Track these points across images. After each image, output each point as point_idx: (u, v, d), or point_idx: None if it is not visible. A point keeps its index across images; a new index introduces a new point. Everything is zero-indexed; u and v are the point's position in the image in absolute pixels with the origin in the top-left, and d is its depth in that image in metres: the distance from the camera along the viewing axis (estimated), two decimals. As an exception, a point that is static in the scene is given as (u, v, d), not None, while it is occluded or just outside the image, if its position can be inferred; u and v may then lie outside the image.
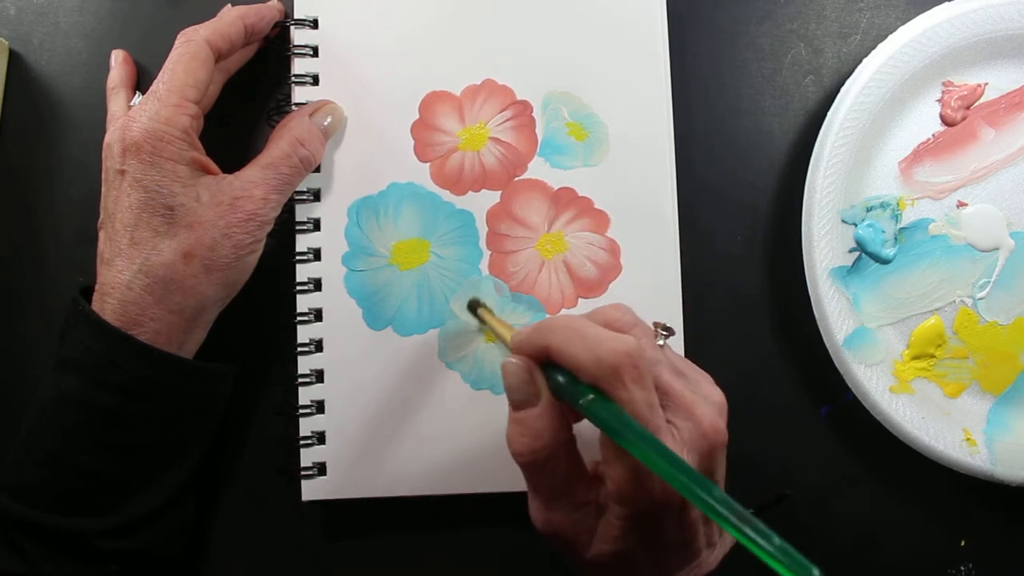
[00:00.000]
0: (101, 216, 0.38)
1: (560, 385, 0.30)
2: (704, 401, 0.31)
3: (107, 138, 0.38)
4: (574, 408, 0.30)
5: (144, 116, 0.37)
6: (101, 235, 0.38)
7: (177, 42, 0.39)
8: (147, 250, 0.36)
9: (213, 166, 0.38)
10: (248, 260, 0.39)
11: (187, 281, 0.37)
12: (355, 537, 0.44)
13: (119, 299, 0.36)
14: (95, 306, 0.37)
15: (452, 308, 0.42)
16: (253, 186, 0.38)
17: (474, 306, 0.41)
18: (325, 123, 0.41)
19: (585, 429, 0.31)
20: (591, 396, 0.29)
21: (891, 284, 0.43)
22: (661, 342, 0.34)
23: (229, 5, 0.41)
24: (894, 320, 0.43)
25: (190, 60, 0.38)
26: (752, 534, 0.25)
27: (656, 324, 0.35)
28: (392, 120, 0.42)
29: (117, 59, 0.43)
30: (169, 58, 0.38)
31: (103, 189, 0.38)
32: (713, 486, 0.26)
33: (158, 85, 0.38)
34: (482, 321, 0.40)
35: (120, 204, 0.37)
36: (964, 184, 0.43)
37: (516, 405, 0.31)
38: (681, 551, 0.32)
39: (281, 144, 0.39)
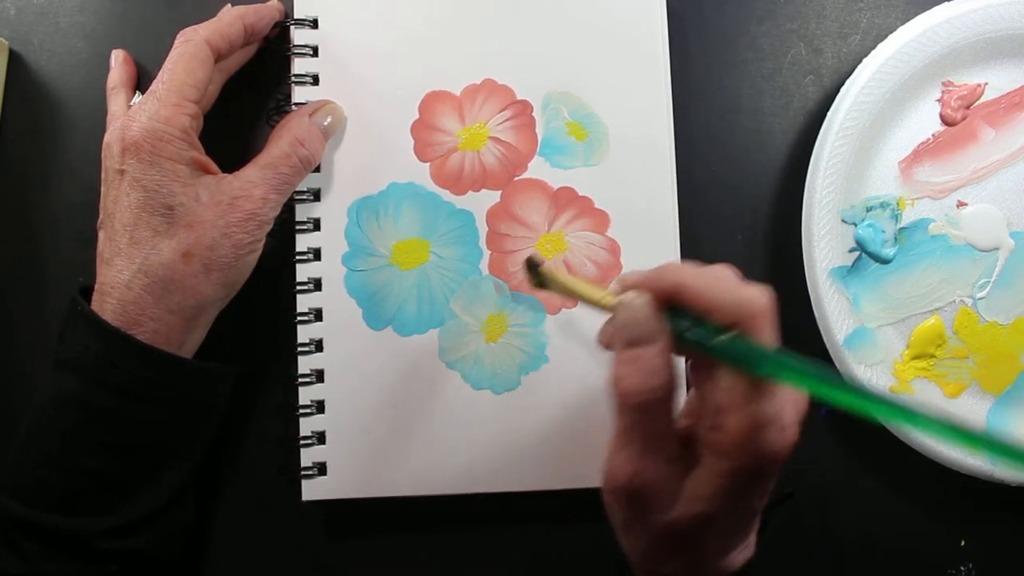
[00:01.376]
0: (101, 216, 0.38)
1: (686, 328, 0.29)
2: None
3: (107, 138, 0.38)
4: (701, 351, 0.29)
5: (143, 116, 0.37)
6: (101, 235, 0.38)
7: (176, 42, 0.39)
8: (146, 250, 0.36)
9: (213, 166, 0.38)
10: (248, 260, 0.39)
11: (187, 281, 0.37)
12: (355, 537, 0.44)
13: (118, 299, 0.36)
14: (94, 306, 0.37)
15: (453, 308, 0.42)
16: (253, 186, 0.38)
17: (534, 265, 0.34)
18: (325, 123, 0.41)
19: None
20: (731, 334, 0.28)
21: (891, 284, 0.43)
22: None
23: (229, 5, 0.41)
24: (894, 320, 0.43)
25: (189, 60, 0.38)
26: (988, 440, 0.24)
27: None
28: (392, 120, 0.42)
29: (117, 59, 0.43)
30: (168, 58, 0.38)
31: (103, 189, 0.38)
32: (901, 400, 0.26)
33: (158, 85, 0.38)
34: (543, 283, 0.34)
35: (120, 204, 0.37)
36: (964, 184, 0.43)
37: (634, 342, 0.30)
38: (750, 522, 0.31)
39: (281, 144, 0.39)
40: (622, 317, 0.30)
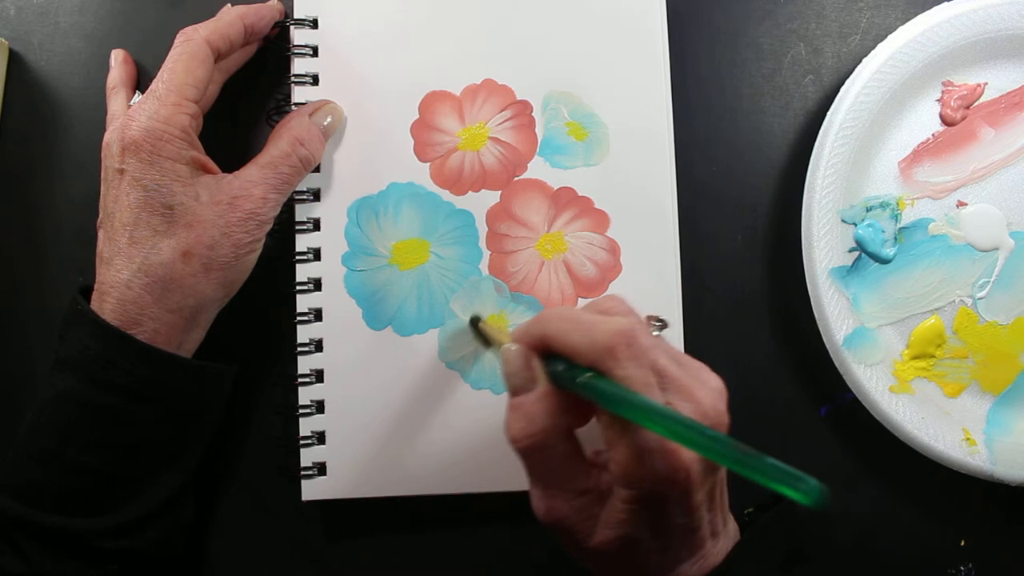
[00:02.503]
0: (100, 215, 0.38)
1: (558, 371, 0.31)
2: (703, 384, 0.31)
3: (106, 137, 0.38)
4: (574, 391, 0.30)
5: (143, 115, 0.37)
6: (100, 234, 0.38)
7: (176, 41, 0.39)
8: (146, 249, 0.36)
9: (212, 165, 0.38)
10: (247, 260, 0.39)
11: (186, 280, 0.37)
12: (355, 537, 0.44)
13: (118, 298, 0.36)
14: (94, 305, 0.37)
15: (453, 308, 0.42)
16: (252, 185, 0.38)
17: (475, 322, 0.41)
18: (325, 123, 0.41)
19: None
20: (589, 374, 0.30)
21: (891, 284, 0.43)
22: (656, 332, 0.34)
23: (229, 5, 0.41)
24: (894, 320, 0.43)
25: (189, 59, 0.38)
26: (756, 464, 0.25)
27: (650, 317, 0.36)
28: (392, 120, 0.42)
29: (117, 59, 0.43)
30: (168, 57, 0.38)
31: (102, 188, 0.38)
32: (714, 432, 0.27)
33: (157, 84, 0.38)
34: (483, 336, 0.41)
35: (119, 203, 0.37)
36: (964, 184, 0.43)
37: (514, 391, 0.32)
38: (686, 538, 0.32)
39: (280, 144, 0.39)
40: (503, 369, 0.33)
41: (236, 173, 0.38)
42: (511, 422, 0.32)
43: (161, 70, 0.38)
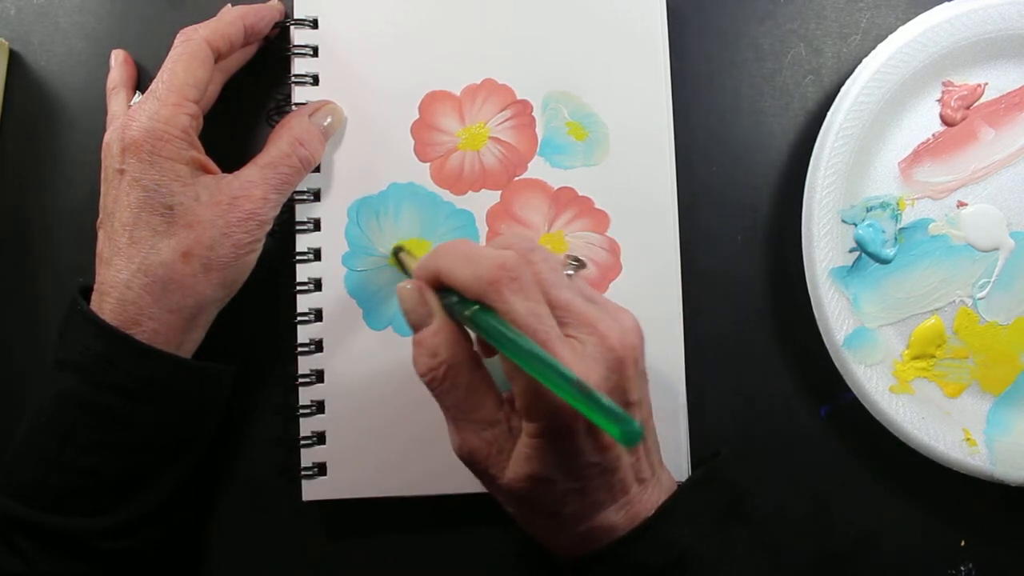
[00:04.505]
0: (100, 215, 0.38)
1: (451, 303, 0.32)
2: (610, 318, 0.31)
3: (106, 137, 0.38)
4: (465, 324, 0.31)
5: (143, 116, 0.37)
6: (100, 234, 0.38)
7: (176, 41, 0.39)
8: (146, 249, 0.36)
9: (212, 165, 0.38)
10: (247, 260, 0.39)
11: (186, 280, 0.37)
12: (355, 537, 0.44)
13: (118, 298, 0.36)
14: (94, 305, 0.37)
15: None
16: (252, 185, 0.38)
17: (397, 252, 0.41)
18: (325, 123, 0.41)
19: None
20: (474, 307, 0.30)
21: (891, 284, 0.43)
22: (570, 271, 0.34)
23: (229, 5, 0.41)
24: (894, 320, 0.43)
25: (190, 60, 0.38)
26: (579, 396, 0.26)
27: (568, 255, 0.35)
28: (392, 120, 0.42)
29: (117, 59, 0.43)
30: (168, 57, 0.38)
31: (102, 188, 0.38)
32: (556, 362, 0.27)
33: (157, 84, 0.38)
34: (401, 264, 0.41)
35: (119, 203, 0.37)
36: (964, 184, 0.43)
37: (414, 327, 0.33)
38: (602, 479, 0.31)
39: (280, 144, 0.39)
40: (401, 305, 0.33)
41: (236, 173, 0.38)
42: (415, 357, 0.32)
43: (161, 70, 0.38)
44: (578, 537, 0.33)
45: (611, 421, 0.25)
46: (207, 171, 0.38)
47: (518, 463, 0.31)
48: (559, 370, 0.27)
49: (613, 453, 0.31)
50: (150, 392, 0.37)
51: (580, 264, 0.36)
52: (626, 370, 0.31)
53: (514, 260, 0.30)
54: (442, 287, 0.33)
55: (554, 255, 0.33)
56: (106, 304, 0.36)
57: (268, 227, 0.39)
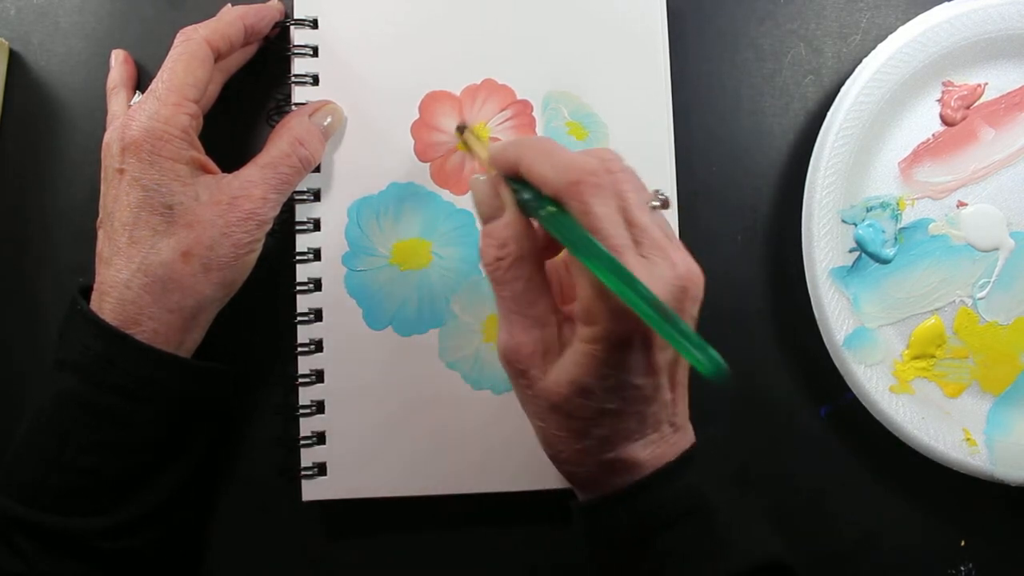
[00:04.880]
0: (100, 215, 0.38)
1: (525, 199, 0.32)
2: (682, 251, 0.31)
3: (106, 137, 0.38)
4: (539, 222, 0.31)
5: (143, 115, 0.37)
6: (100, 234, 0.38)
7: (176, 41, 0.39)
8: (146, 249, 0.36)
9: (212, 165, 0.38)
10: (247, 260, 0.39)
11: (186, 280, 0.37)
12: (355, 537, 0.44)
13: (117, 298, 0.36)
14: (93, 305, 0.37)
15: (453, 308, 0.42)
16: (252, 185, 0.38)
17: (461, 130, 0.41)
18: (325, 123, 0.41)
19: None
20: (552, 208, 0.30)
21: (891, 284, 0.43)
22: (656, 203, 0.34)
23: (229, 5, 0.41)
24: (894, 320, 0.43)
25: (190, 59, 0.38)
26: (678, 337, 0.26)
27: (656, 191, 0.35)
28: (392, 120, 0.42)
29: (117, 59, 0.43)
30: (168, 57, 0.38)
31: (102, 188, 0.38)
32: (645, 290, 0.27)
33: (157, 84, 0.38)
34: (467, 145, 0.41)
35: (119, 203, 0.37)
36: (964, 184, 0.43)
37: (484, 218, 0.33)
38: (639, 406, 0.31)
39: (280, 144, 0.39)
40: (474, 196, 0.33)
41: (236, 173, 0.38)
42: (483, 248, 0.33)
43: (161, 70, 0.38)
44: (601, 466, 0.32)
45: (695, 348, 0.25)
46: (207, 171, 0.38)
47: (564, 368, 0.31)
48: (638, 287, 0.27)
49: (657, 380, 0.31)
50: (150, 392, 0.37)
51: (664, 202, 0.36)
52: (686, 303, 0.31)
53: (600, 167, 0.30)
54: (516, 180, 0.32)
55: (639, 179, 0.33)
56: (106, 304, 0.36)
57: (268, 227, 0.39)
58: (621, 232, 0.30)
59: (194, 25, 0.39)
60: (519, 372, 0.32)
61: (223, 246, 0.37)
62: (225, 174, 0.38)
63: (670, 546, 0.32)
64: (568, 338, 0.32)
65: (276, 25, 0.43)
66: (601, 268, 0.28)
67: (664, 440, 0.32)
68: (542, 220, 0.31)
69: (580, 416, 0.31)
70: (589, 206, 0.29)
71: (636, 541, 0.32)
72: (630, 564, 0.32)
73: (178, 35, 0.39)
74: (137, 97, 0.42)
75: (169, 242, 0.36)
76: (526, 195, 0.32)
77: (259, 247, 0.39)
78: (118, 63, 0.43)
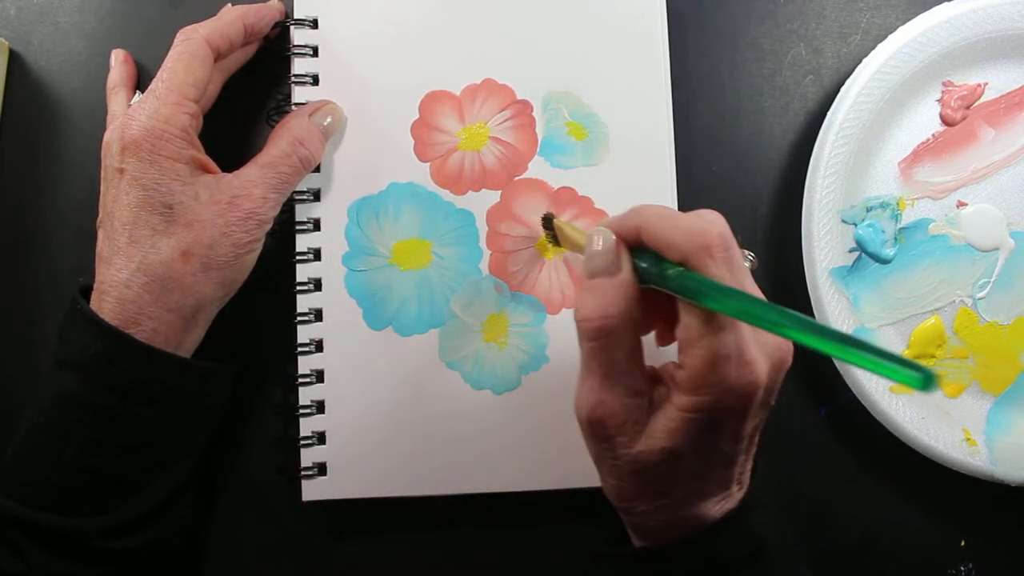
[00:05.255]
0: (100, 214, 0.38)
1: (647, 265, 0.31)
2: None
3: (106, 136, 0.38)
4: (660, 285, 0.31)
5: (143, 115, 0.37)
6: (100, 234, 0.38)
7: (176, 40, 0.39)
8: (145, 248, 0.36)
9: (212, 165, 0.38)
10: (247, 259, 0.39)
11: (185, 280, 0.37)
12: (355, 537, 0.44)
13: (117, 297, 0.36)
14: (93, 305, 0.37)
15: (453, 308, 0.42)
16: (252, 185, 0.38)
17: (549, 221, 0.40)
18: (325, 123, 0.41)
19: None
20: (680, 268, 0.30)
21: (891, 284, 0.43)
22: (747, 263, 0.34)
23: (229, 4, 0.41)
24: (894, 320, 0.43)
25: (190, 59, 0.38)
26: (864, 349, 0.25)
27: (744, 250, 0.35)
28: (392, 120, 0.42)
29: (117, 59, 0.43)
30: (168, 56, 0.38)
31: (102, 187, 0.38)
32: (816, 321, 0.27)
33: (157, 84, 0.38)
34: (555, 237, 0.40)
35: (119, 202, 0.37)
36: (964, 184, 0.43)
37: (594, 273, 0.32)
38: (722, 471, 0.32)
39: (280, 143, 0.39)
40: (587, 250, 0.33)
41: (236, 173, 0.38)
42: (585, 301, 0.31)
43: (161, 69, 0.38)
44: (672, 521, 0.32)
45: (905, 367, 0.24)
46: (207, 170, 0.38)
47: (656, 435, 0.31)
48: (808, 321, 0.27)
49: (742, 446, 0.31)
50: (150, 392, 0.37)
51: (753, 261, 0.36)
52: (781, 372, 0.32)
53: (727, 230, 0.30)
54: (632, 248, 0.32)
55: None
56: (105, 303, 0.36)
57: (268, 226, 0.39)
58: None
59: (194, 25, 0.39)
60: (603, 437, 0.32)
61: (223, 245, 0.37)
62: (225, 173, 0.38)
63: None
64: (659, 400, 0.31)
65: (276, 25, 0.43)
66: (757, 309, 0.28)
67: (732, 496, 0.33)
68: (669, 279, 0.30)
69: (664, 480, 0.31)
70: (720, 270, 0.29)
71: None
72: None
73: (178, 35, 0.39)
74: (137, 97, 0.42)
75: (169, 241, 0.36)
76: (645, 261, 0.31)
77: (259, 247, 0.39)
78: (118, 63, 0.43)
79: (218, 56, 0.39)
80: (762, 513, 0.34)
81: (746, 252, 0.34)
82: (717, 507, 0.32)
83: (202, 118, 0.39)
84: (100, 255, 0.38)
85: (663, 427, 0.31)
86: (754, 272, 0.34)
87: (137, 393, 0.36)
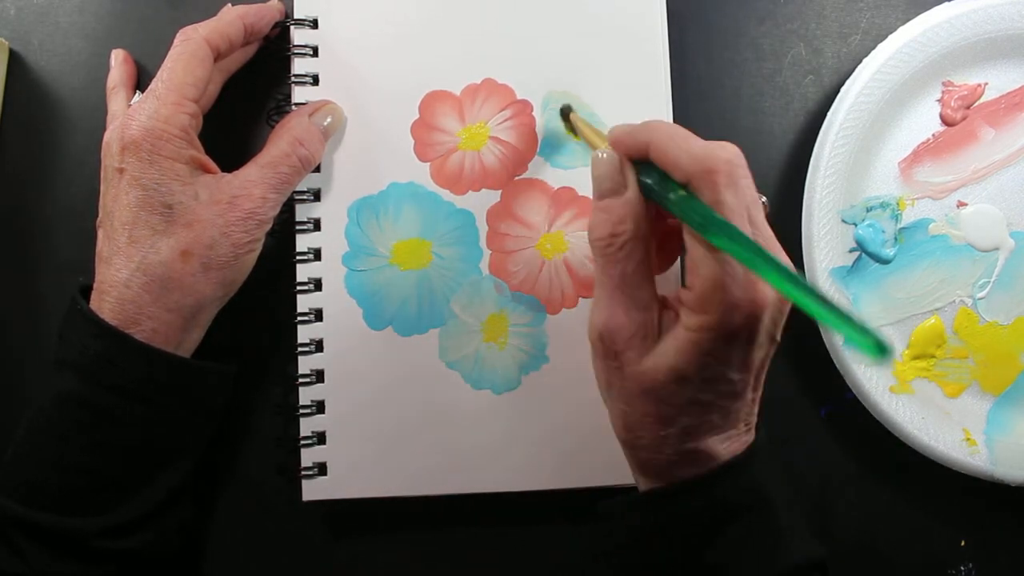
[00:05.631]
0: (100, 214, 0.38)
1: (652, 184, 0.32)
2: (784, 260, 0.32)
3: (106, 136, 0.38)
4: (663, 205, 0.31)
5: (143, 115, 0.37)
6: (100, 233, 0.38)
7: (176, 40, 0.39)
8: (145, 248, 0.36)
9: (212, 164, 0.38)
10: (246, 259, 0.39)
11: (185, 280, 0.37)
12: (355, 537, 0.44)
13: (117, 297, 0.36)
14: (93, 305, 0.37)
15: (453, 308, 0.42)
16: (252, 185, 0.38)
17: (566, 112, 0.41)
18: (325, 123, 0.41)
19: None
20: (682, 192, 0.30)
21: (891, 284, 0.43)
22: (764, 199, 0.34)
23: (229, 4, 0.41)
24: (894, 320, 0.43)
25: (189, 59, 0.38)
26: (838, 317, 0.26)
27: (761, 194, 0.35)
28: (392, 120, 0.42)
29: (117, 59, 0.43)
30: (168, 56, 0.38)
31: (102, 187, 0.38)
32: (798, 275, 0.27)
33: (157, 84, 0.38)
34: (573, 129, 0.41)
35: (119, 202, 0.37)
36: (964, 184, 0.43)
37: (602, 194, 0.33)
38: (726, 400, 0.32)
39: (280, 144, 0.39)
40: (594, 171, 0.33)
41: (235, 173, 0.38)
42: (597, 221, 0.32)
43: (161, 69, 0.38)
44: (679, 455, 0.32)
45: (857, 329, 0.25)
46: (207, 170, 0.38)
47: (664, 353, 0.31)
48: (786, 269, 0.27)
49: (748, 377, 0.32)
50: (149, 391, 0.37)
51: (765, 205, 0.36)
52: (785, 308, 0.32)
53: (737, 158, 0.30)
54: (641, 163, 0.33)
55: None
56: (105, 303, 0.36)
57: (268, 226, 0.39)
58: (746, 227, 0.30)
59: (194, 25, 0.39)
60: (613, 353, 0.32)
61: (223, 245, 0.37)
62: (225, 173, 0.38)
63: (735, 538, 0.32)
64: (667, 324, 0.32)
65: (276, 25, 0.43)
66: (744, 251, 0.28)
67: (739, 437, 0.33)
68: (670, 203, 0.31)
69: (670, 403, 0.32)
70: (722, 196, 0.29)
71: (702, 531, 0.32)
72: (691, 554, 0.33)
73: (178, 35, 0.39)
74: (137, 97, 0.42)
75: (168, 241, 0.36)
76: (650, 179, 0.32)
77: (259, 247, 0.39)
78: (118, 63, 0.43)
79: (218, 56, 0.39)
80: (769, 465, 0.34)
81: (762, 196, 0.34)
82: (723, 446, 0.32)
83: (202, 118, 0.39)
84: (100, 255, 0.38)
85: (671, 346, 0.31)
86: (768, 217, 0.34)
87: (137, 393, 0.36)
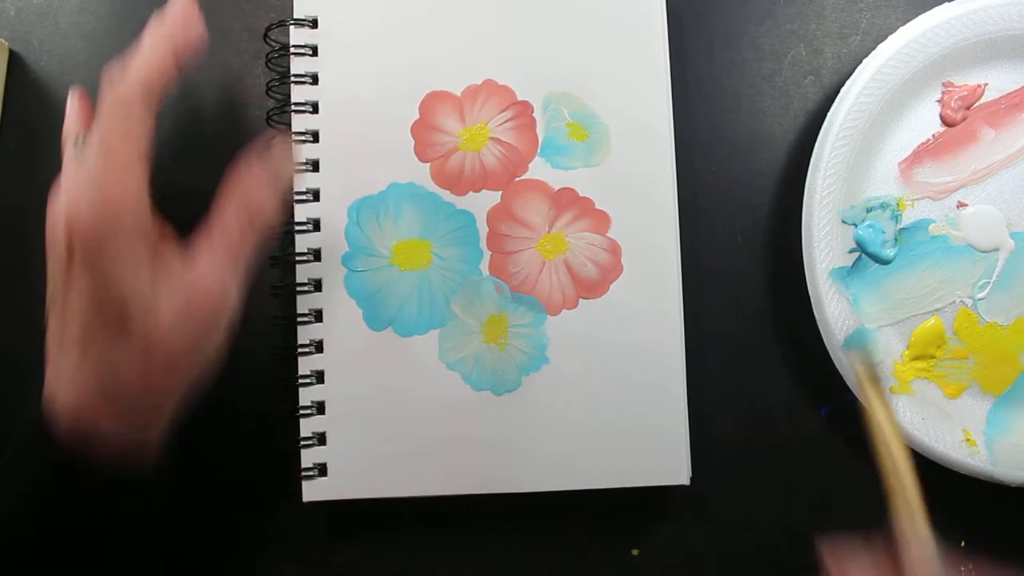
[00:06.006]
0: (49, 292, 0.35)
1: None
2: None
3: (52, 210, 0.34)
4: None
5: (89, 191, 0.32)
6: (51, 322, 0.35)
7: (105, 96, 0.34)
8: (101, 348, 0.33)
9: (167, 235, 0.35)
10: (210, 353, 0.36)
11: (144, 381, 0.34)
12: (355, 537, 0.44)
13: (72, 399, 0.34)
14: (47, 394, 0.34)
15: (453, 308, 0.42)
16: (205, 278, 0.35)
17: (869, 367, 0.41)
18: (278, 182, 0.37)
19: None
20: None
21: (891, 285, 0.43)
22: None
23: (152, 24, 0.36)
24: (894, 321, 0.43)
25: (123, 122, 0.33)
26: None
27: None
28: (392, 120, 0.42)
29: (72, 102, 0.38)
30: (99, 117, 0.34)
31: (49, 264, 0.35)
32: None
33: (96, 151, 0.33)
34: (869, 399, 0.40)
35: (69, 295, 0.33)
36: (964, 184, 0.43)
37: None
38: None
39: (230, 218, 0.36)
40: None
41: (190, 260, 0.35)
42: None
43: (94, 131, 0.34)
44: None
45: None
46: (163, 247, 0.34)
47: None
48: None
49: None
50: (106, 508, 0.35)
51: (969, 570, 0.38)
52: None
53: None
54: None
55: None
56: (58, 402, 0.34)
57: (232, 312, 0.36)
58: None
59: (121, 65, 0.34)
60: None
61: (182, 348, 0.34)
62: (178, 258, 0.35)
63: None
64: None
65: (276, 25, 0.43)
66: None
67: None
68: None
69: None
70: None
71: None
72: None
73: (104, 84, 0.34)
74: (78, 145, 0.36)
75: (126, 343, 0.33)
76: None
77: (224, 335, 0.36)
78: (73, 108, 0.38)
79: (159, 95, 0.35)
80: None
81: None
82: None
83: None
84: (51, 344, 0.34)
85: None
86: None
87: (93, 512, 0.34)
